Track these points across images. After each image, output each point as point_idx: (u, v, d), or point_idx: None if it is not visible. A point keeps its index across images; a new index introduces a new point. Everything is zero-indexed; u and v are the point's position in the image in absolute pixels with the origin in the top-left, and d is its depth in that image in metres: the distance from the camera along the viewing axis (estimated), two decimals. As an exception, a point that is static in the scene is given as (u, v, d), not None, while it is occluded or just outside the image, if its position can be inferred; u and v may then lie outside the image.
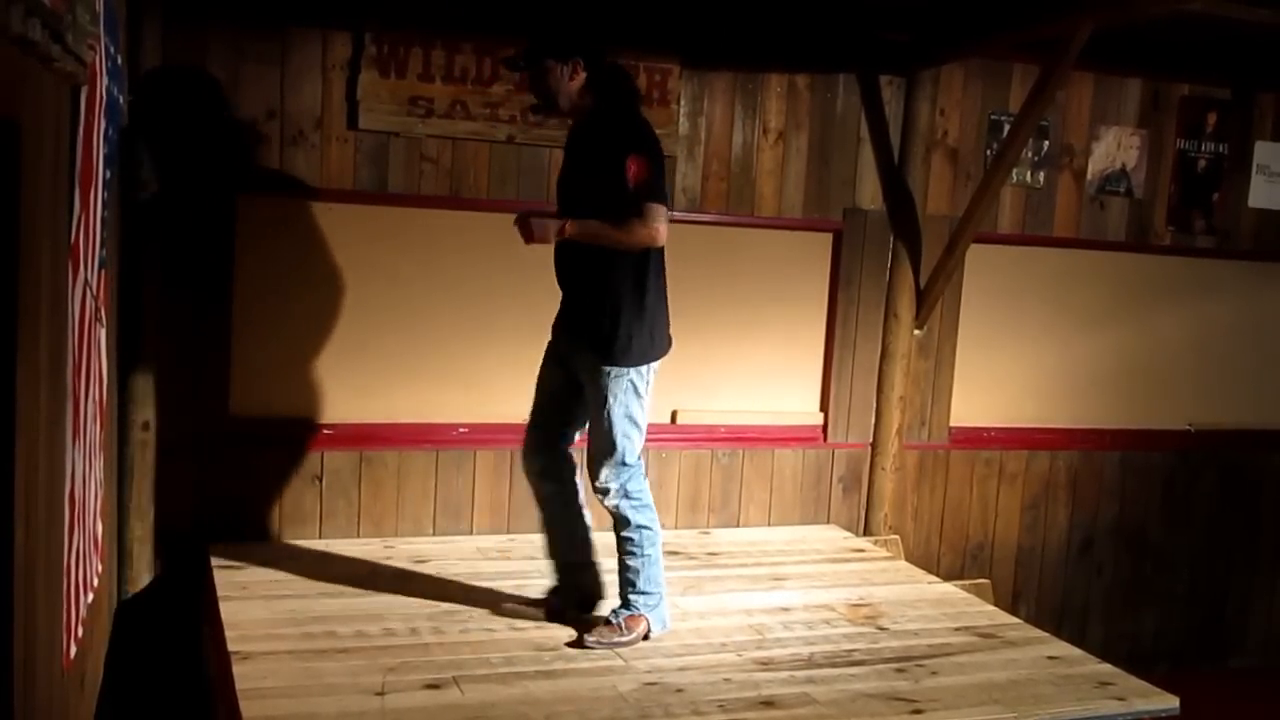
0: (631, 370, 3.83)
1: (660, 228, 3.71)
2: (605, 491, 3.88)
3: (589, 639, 3.84)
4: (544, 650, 3.78)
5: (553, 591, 4.18)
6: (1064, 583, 5.96)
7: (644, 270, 3.83)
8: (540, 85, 3.84)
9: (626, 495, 3.88)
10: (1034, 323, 5.83)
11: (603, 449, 3.86)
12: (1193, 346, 6.12)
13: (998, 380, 5.81)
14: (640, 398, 3.87)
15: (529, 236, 3.75)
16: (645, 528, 3.91)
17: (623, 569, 3.95)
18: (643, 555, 3.91)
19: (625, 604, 3.93)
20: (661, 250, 3.86)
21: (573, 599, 4.11)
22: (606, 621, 3.90)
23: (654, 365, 3.91)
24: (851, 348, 5.52)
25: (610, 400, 3.82)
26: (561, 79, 3.79)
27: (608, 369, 3.81)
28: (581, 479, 4.08)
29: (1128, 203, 5.87)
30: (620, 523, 3.92)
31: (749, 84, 5.23)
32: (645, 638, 3.88)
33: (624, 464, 3.86)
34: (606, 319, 3.80)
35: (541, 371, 4.10)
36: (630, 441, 3.86)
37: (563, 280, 3.94)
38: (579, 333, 3.90)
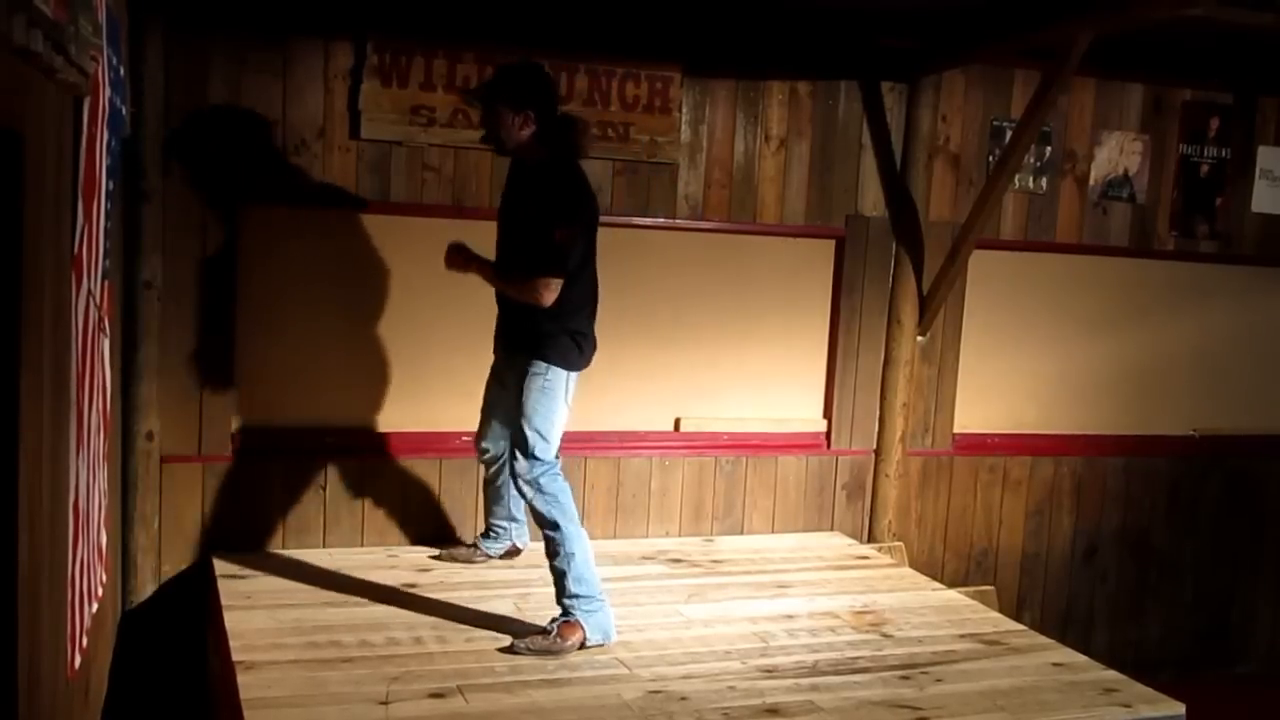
0: (559, 373, 4.07)
1: (549, 295, 3.99)
2: (521, 478, 4.06)
3: (520, 645, 3.86)
4: (548, 658, 3.78)
5: (482, 535, 4.72)
6: (1068, 589, 5.95)
7: (589, 290, 4.18)
8: (490, 125, 4.08)
9: (540, 490, 4.02)
10: (1037, 329, 5.82)
11: (520, 442, 4.06)
12: (1196, 352, 6.12)
13: (1001, 386, 5.80)
14: (560, 403, 4.09)
15: (449, 263, 4.17)
16: (559, 525, 3.99)
17: (551, 570, 4.02)
18: (565, 554, 3.96)
19: (563, 611, 3.94)
20: (595, 277, 4.21)
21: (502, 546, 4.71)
22: (543, 630, 3.91)
23: (576, 377, 4.14)
24: (854, 354, 5.52)
25: (535, 393, 4.06)
26: (511, 127, 4.02)
27: (538, 369, 4.07)
28: None
29: (1130, 208, 5.87)
30: (539, 520, 4.06)
31: (750, 91, 5.23)
32: (581, 647, 3.87)
33: (536, 458, 4.03)
34: (550, 325, 4.05)
35: (487, 388, 4.51)
36: (543, 439, 4.04)
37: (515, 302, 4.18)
38: (521, 337, 4.16)
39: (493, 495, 4.64)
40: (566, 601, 3.93)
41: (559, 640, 3.85)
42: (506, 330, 4.32)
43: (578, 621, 3.89)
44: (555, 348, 4.07)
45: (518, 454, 4.06)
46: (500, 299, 4.30)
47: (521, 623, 4.05)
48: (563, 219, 3.99)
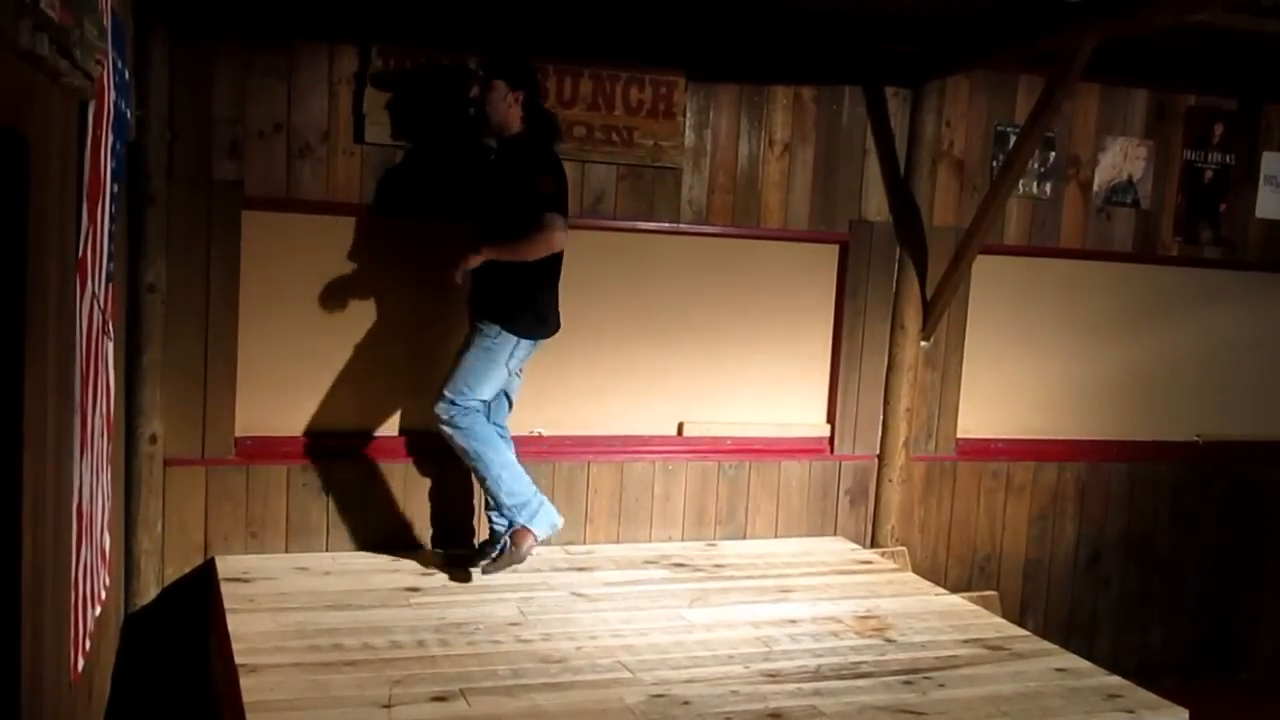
0: (506, 337, 4.37)
1: (557, 233, 4.25)
2: (439, 419, 4.41)
3: (487, 567, 4.40)
4: (550, 662, 3.78)
5: (486, 541, 4.65)
6: (1072, 595, 5.94)
7: (552, 266, 4.41)
8: (483, 99, 4.44)
9: (456, 425, 4.39)
10: (1041, 334, 5.82)
11: (447, 382, 4.40)
12: (1200, 357, 6.11)
13: (1004, 392, 5.80)
14: (500, 365, 4.40)
15: (458, 281, 4.37)
16: (480, 455, 4.39)
17: (486, 494, 4.46)
18: (494, 476, 4.40)
19: (508, 523, 4.41)
20: (559, 257, 4.39)
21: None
22: (500, 549, 4.41)
23: (528, 346, 4.45)
24: (858, 359, 5.52)
25: (474, 348, 4.40)
26: (501, 101, 4.40)
27: (488, 330, 4.38)
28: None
29: (1134, 213, 5.87)
30: (461, 452, 4.43)
31: (754, 96, 5.24)
32: (535, 545, 4.40)
33: (454, 403, 4.38)
34: (515, 294, 4.37)
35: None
36: (469, 388, 4.38)
37: (485, 269, 4.40)
38: (484, 303, 4.43)
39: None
40: (508, 514, 4.41)
41: (516, 549, 4.37)
42: (476, 298, 4.48)
43: (524, 526, 4.39)
44: (510, 313, 4.36)
45: (443, 394, 4.37)
46: (479, 270, 4.40)
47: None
48: (546, 170, 4.32)
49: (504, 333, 4.38)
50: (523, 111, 4.43)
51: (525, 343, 4.44)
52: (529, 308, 4.40)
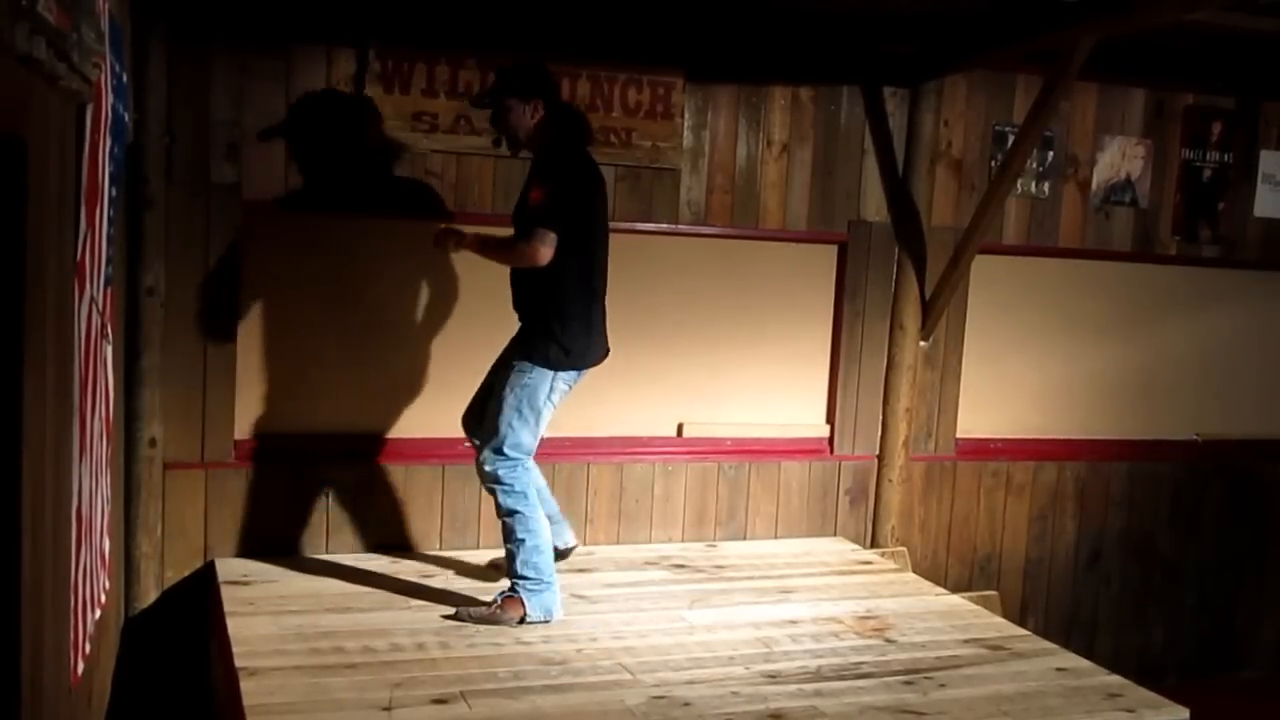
0: (540, 372, 4.13)
1: (540, 248, 4.02)
2: (485, 474, 4.17)
3: (463, 612, 4.13)
4: (551, 664, 3.78)
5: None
6: (1072, 594, 5.94)
7: (577, 288, 4.17)
8: (503, 122, 4.22)
9: (498, 481, 4.13)
10: (1040, 333, 5.82)
11: (489, 431, 4.17)
12: (1199, 356, 6.11)
13: (1004, 391, 5.80)
14: (538, 403, 4.15)
15: (436, 241, 4.30)
16: (517, 512, 4.12)
17: (506, 554, 4.19)
18: (517, 539, 4.12)
19: (509, 587, 4.16)
20: (601, 270, 4.26)
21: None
22: (487, 602, 4.16)
23: (567, 378, 4.19)
24: (857, 360, 5.52)
25: (509, 390, 4.14)
26: (523, 117, 4.17)
27: (522, 366, 4.15)
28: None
29: (1133, 213, 5.87)
30: (497, 508, 4.18)
31: (753, 97, 5.24)
32: (521, 621, 4.08)
33: (501, 452, 4.12)
34: (539, 325, 4.16)
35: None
36: (513, 432, 4.13)
37: (515, 299, 4.27)
38: (519, 336, 4.27)
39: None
40: (513, 580, 4.14)
41: (499, 612, 4.09)
42: (519, 331, 4.30)
43: (520, 598, 4.11)
44: (538, 345, 4.14)
45: (487, 444, 4.16)
46: (515, 298, 4.26)
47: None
48: (549, 178, 4.10)
49: (536, 368, 4.13)
50: (545, 117, 4.18)
51: (564, 375, 4.18)
52: (559, 336, 4.12)
